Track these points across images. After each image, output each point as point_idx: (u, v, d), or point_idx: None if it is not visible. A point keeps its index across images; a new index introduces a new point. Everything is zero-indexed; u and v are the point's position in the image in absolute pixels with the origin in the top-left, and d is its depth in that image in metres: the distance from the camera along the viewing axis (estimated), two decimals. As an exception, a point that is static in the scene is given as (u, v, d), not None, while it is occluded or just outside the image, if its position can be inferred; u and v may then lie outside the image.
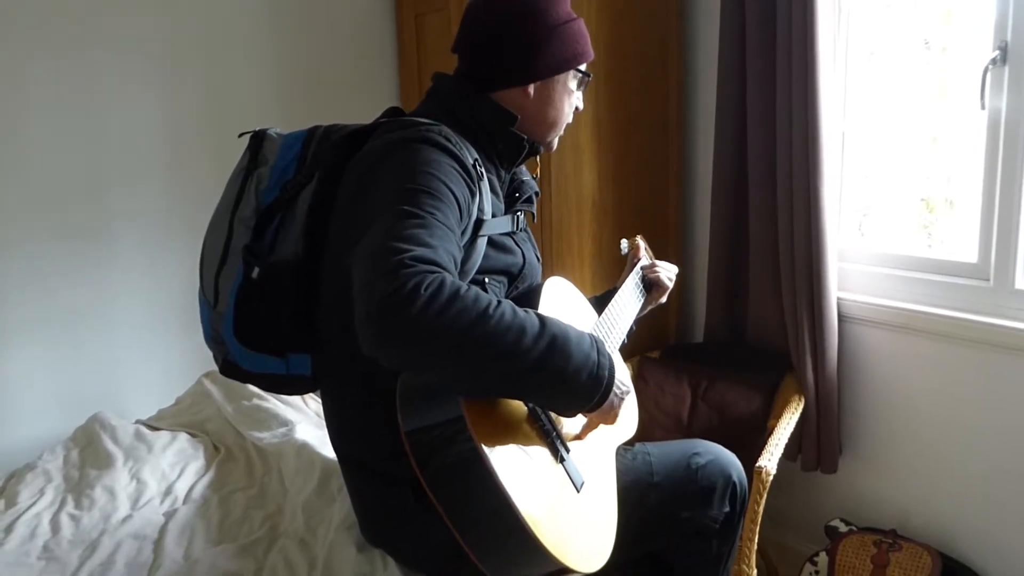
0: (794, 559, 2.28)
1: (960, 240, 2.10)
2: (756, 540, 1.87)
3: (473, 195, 1.26)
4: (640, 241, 1.78)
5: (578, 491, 1.20)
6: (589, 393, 1.14)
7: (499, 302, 1.06)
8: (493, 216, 1.34)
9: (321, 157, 1.36)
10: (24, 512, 1.63)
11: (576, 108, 1.50)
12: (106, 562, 1.46)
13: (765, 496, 1.85)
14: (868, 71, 2.19)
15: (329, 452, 1.65)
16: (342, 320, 1.23)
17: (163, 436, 1.93)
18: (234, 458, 1.85)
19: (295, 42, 2.68)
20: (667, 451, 1.53)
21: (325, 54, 2.74)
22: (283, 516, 1.58)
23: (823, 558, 2.14)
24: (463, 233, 1.23)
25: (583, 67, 1.46)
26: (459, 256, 1.17)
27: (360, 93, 2.80)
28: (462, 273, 1.25)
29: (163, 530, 1.55)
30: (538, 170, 2.17)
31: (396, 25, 2.86)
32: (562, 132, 1.50)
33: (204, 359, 1.63)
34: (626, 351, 1.70)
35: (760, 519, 1.86)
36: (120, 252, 2.45)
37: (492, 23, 1.41)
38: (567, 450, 1.22)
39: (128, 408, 2.28)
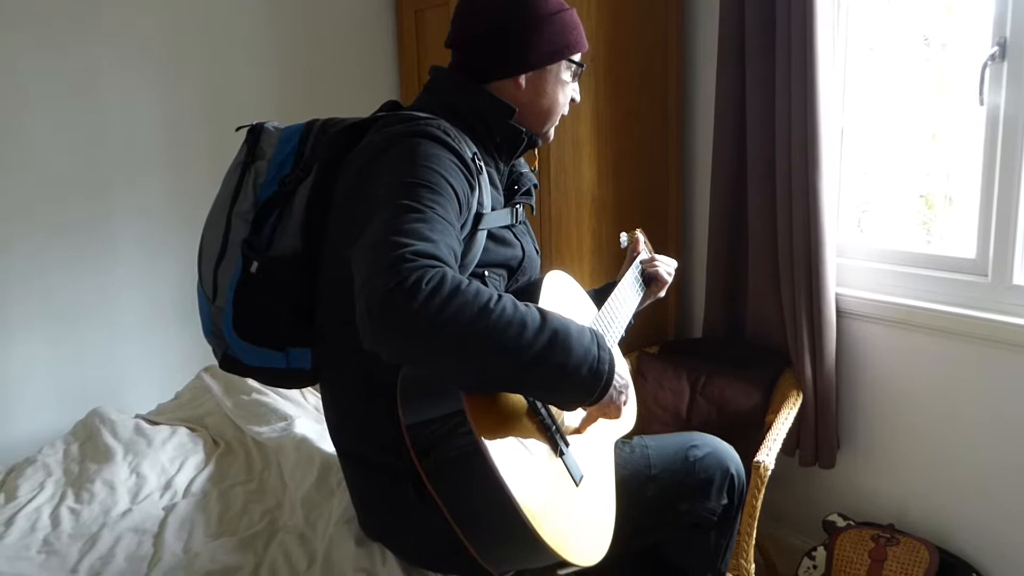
0: (792, 554, 2.29)
1: (959, 236, 2.10)
2: (754, 535, 1.87)
3: (472, 189, 1.26)
4: (640, 235, 1.78)
5: (577, 485, 1.21)
6: (589, 387, 1.14)
7: (500, 296, 1.06)
8: (492, 209, 1.34)
9: (319, 151, 1.36)
10: (24, 506, 1.63)
11: (573, 100, 1.50)
12: (106, 556, 1.46)
13: (763, 491, 1.85)
14: (867, 67, 2.19)
15: (328, 446, 1.66)
16: (341, 314, 1.23)
17: (163, 430, 1.94)
18: (233, 452, 1.86)
19: (295, 38, 2.68)
20: (665, 444, 1.54)
21: (325, 50, 2.74)
22: (282, 510, 1.59)
23: (821, 553, 2.14)
24: (463, 227, 1.23)
25: (576, 57, 1.45)
26: (459, 250, 1.17)
27: (360, 89, 2.80)
28: (462, 267, 1.25)
29: (163, 524, 1.56)
30: (536, 162, 2.17)
31: (396, 21, 2.86)
32: (557, 123, 1.50)
33: (204, 354, 1.63)
34: (625, 346, 1.70)
35: (758, 514, 1.86)
36: (121, 248, 2.45)
37: (483, 14, 1.41)
38: (566, 444, 1.23)
39: (128, 402, 2.29)
